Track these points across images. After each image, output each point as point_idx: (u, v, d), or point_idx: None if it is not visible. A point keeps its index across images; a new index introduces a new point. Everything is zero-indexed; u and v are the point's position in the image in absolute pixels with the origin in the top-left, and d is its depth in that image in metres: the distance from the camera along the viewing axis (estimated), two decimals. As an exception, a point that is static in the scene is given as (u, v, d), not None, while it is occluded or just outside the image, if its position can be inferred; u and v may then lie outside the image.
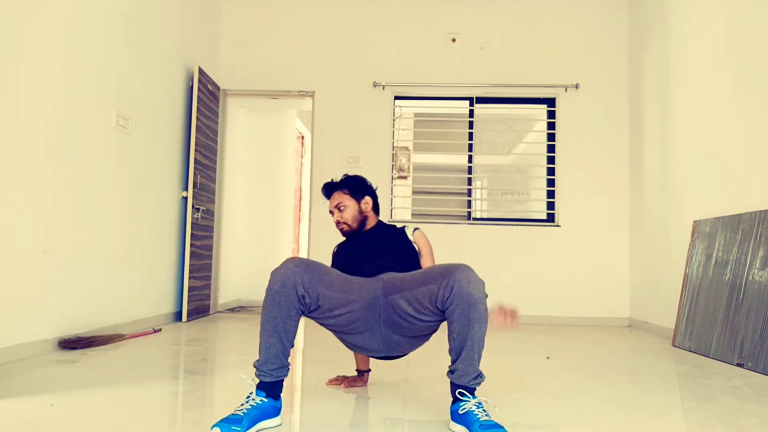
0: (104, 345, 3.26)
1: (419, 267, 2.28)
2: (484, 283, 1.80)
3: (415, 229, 2.40)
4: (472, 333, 1.77)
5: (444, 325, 1.96)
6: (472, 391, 1.82)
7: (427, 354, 3.32)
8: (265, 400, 1.81)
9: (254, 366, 1.86)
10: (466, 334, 1.77)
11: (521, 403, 2.23)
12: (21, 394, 2.15)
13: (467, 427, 1.74)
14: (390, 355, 2.12)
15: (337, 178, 2.48)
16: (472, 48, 5.49)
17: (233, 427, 1.67)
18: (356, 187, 2.41)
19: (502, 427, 1.69)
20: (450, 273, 1.78)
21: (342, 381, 2.40)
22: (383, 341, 2.00)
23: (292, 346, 1.87)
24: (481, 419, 1.72)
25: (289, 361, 1.89)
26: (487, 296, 1.80)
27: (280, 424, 1.86)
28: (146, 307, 4.13)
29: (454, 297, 1.75)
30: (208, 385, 2.48)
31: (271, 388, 1.84)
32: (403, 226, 2.42)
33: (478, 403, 1.79)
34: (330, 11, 5.59)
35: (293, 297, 1.80)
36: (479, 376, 1.83)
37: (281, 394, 1.88)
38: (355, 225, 2.35)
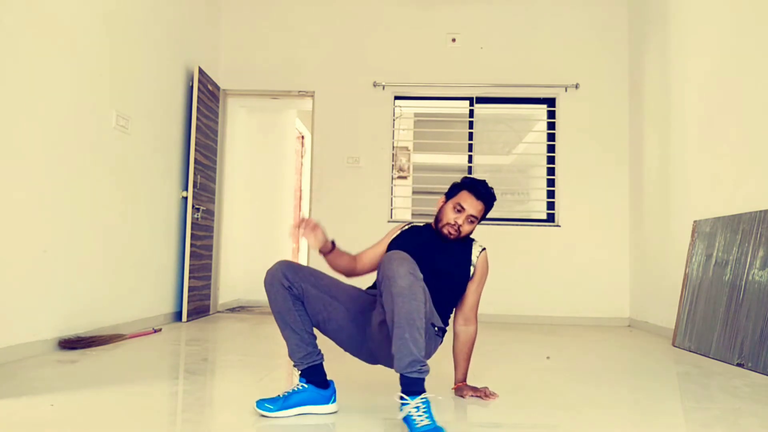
0: (104, 345, 3.26)
1: (462, 288, 2.23)
2: (411, 264, 1.73)
3: (483, 249, 2.27)
4: (396, 309, 1.67)
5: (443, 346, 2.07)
6: (417, 384, 1.68)
7: (427, 354, 3.31)
8: (306, 386, 1.95)
9: (289, 357, 1.99)
10: (392, 312, 1.69)
11: (521, 403, 2.23)
12: (21, 394, 2.15)
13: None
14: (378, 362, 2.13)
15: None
16: (472, 48, 5.49)
17: (266, 404, 1.89)
18: (486, 214, 2.24)
19: (440, 428, 1.61)
20: (382, 261, 1.80)
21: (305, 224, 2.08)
22: (369, 354, 2.06)
23: (311, 334, 1.97)
24: (418, 425, 1.62)
25: (317, 346, 1.98)
26: (413, 276, 1.70)
27: (335, 412, 1.96)
28: (146, 307, 4.13)
29: (381, 279, 1.77)
30: (208, 385, 2.48)
31: (310, 375, 1.96)
32: (473, 240, 2.27)
33: (422, 401, 1.66)
34: (330, 11, 5.59)
35: (282, 290, 1.91)
36: (416, 363, 1.67)
37: (329, 380, 1.99)
38: (457, 238, 2.20)
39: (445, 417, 2.08)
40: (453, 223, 2.17)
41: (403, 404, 1.68)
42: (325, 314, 1.97)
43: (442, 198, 2.27)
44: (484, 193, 2.18)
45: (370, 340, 1.98)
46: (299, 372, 1.99)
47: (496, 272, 5.21)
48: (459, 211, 2.17)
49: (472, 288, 2.25)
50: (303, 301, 1.94)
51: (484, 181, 2.23)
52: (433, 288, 1.93)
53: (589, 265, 5.25)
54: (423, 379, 1.70)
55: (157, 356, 3.16)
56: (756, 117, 3.32)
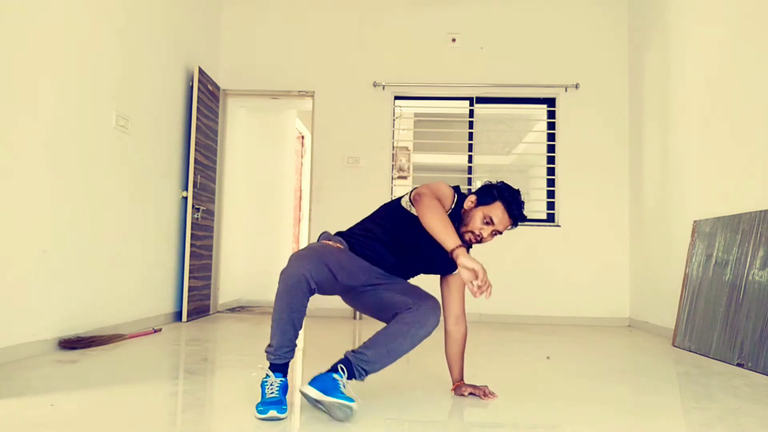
0: (104, 345, 3.26)
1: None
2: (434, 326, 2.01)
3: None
4: (400, 341, 1.96)
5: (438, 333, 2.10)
6: (350, 371, 1.93)
7: (427, 355, 3.32)
8: (283, 379, 1.97)
9: (267, 351, 1.98)
10: (399, 333, 1.96)
11: (521, 403, 2.23)
12: (21, 394, 2.15)
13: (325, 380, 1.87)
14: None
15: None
16: (472, 48, 5.49)
17: (283, 407, 1.88)
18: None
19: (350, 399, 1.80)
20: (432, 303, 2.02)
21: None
22: (365, 310, 2.24)
23: (301, 329, 2.03)
24: (341, 390, 1.83)
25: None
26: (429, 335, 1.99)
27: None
28: (146, 307, 4.13)
29: (416, 312, 1.97)
30: (208, 385, 2.48)
31: (284, 368, 1.99)
32: None
33: (339, 377, 1.88)
34: (330, 11, 5.58)
35: (306, 290, 1.91)
36: (365, 366, 1.95)
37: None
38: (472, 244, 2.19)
39: (445, 417, 2.08)
40: (478, 233, 2.11)
41: (338, 372, 1.90)
42: (330, 290, 2.06)
43: (474, 198, 2.16)
44: (517, 215, 2.13)
45: (371, 305, 2.16)
46: (268, 365, 1.99)
47: (497, 272, 5.21)
48: (487, 223, 2.10)
49: (455, 286, 2.27)
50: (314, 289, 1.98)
51: (519, 193, 2.15)
52: (412, 263, 2.21)
53: (589, 265, 5.25)
54: (353, 372, 1.94)
55: (157, 356, 3.16)
56: (756, 117, 3.32)
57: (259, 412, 1.86)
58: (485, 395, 2.22)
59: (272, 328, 1.96)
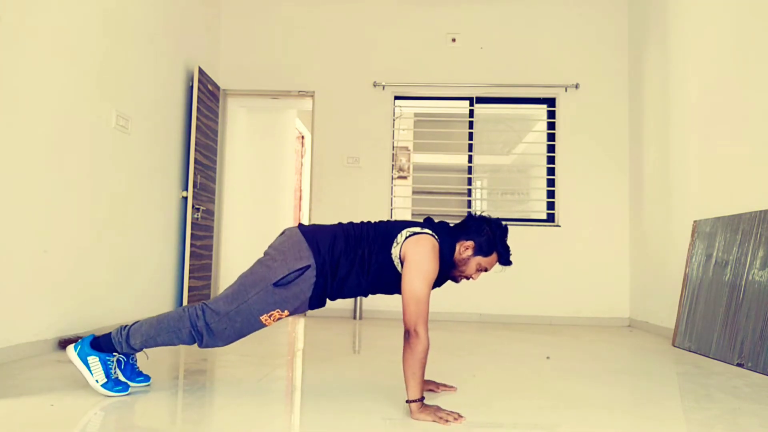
0: (104, 345, 3.25)
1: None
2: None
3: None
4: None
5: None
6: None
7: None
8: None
9: (134, 347, 2.18)
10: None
11: (521, 403, 2.23)
12: (21, 394, 2.15)
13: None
14: None
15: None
16: (472, 48, 5.49)
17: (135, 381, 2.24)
18: None
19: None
20: None
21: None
22: None
23: None
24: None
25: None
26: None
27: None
28: (146, 307, 4.13)
29: None
30: (208, 385, 2.48)
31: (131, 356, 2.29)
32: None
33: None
34: (330, 11, 5.59)
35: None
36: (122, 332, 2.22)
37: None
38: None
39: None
40: (469, 277, 2.25)
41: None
42: None
43: (472, 245, 2.17)
44: (508, 264, 2.26)
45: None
46: (131, 350, 2.20)
47: (496, 272, 5.22)
48: (480, 270, 2.23)
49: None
50: None
51: (507, 231, 2.30)
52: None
53: (589, 265, 5.24)
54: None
55: (157, 356, 3.15)
56: (756, 117, 3.32)
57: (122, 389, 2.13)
58: (447, 388, 2.34)
59: (154, 339, 2.13)
